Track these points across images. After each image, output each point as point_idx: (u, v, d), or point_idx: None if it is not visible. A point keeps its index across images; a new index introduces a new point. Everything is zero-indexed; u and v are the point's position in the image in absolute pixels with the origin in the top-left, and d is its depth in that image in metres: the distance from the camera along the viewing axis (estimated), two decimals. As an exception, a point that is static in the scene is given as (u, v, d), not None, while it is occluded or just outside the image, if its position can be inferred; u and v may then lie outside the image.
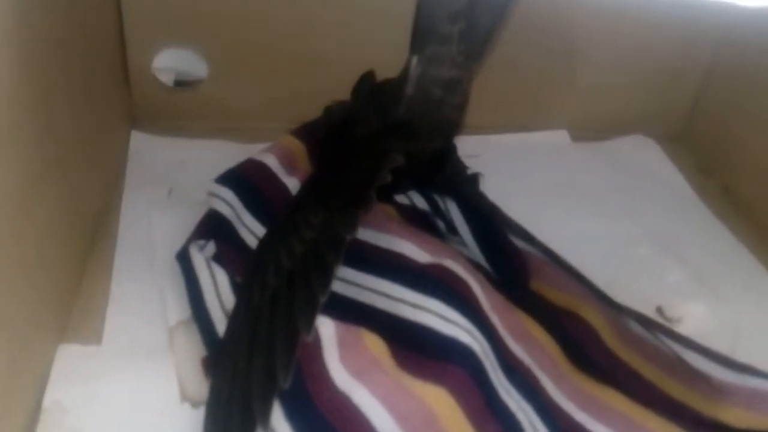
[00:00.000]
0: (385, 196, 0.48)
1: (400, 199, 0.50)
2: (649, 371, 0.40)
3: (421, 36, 0.42)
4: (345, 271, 0.41)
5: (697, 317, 0.46)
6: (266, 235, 0.43)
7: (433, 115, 0.45)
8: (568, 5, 0.59)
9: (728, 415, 0.38)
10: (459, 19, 0.41)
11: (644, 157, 0.64)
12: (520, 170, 0.59)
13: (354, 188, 0.41)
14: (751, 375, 0.40)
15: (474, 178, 0.53)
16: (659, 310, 0.46)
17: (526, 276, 0.45)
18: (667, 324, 0.45)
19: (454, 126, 0.47)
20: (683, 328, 0.45)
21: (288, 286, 0.36)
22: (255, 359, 0.33)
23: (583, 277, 0.44)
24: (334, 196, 0.41)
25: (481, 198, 0.50)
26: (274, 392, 0.31)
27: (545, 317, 0.42)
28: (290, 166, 0.50)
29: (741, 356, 0.42)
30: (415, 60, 0.43)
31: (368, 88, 0.50)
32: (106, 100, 0.53)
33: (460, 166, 0.52)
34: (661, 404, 0.38)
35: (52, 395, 0.35)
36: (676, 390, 0.39)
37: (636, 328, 0.42)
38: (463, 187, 0.51)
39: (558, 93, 0.65)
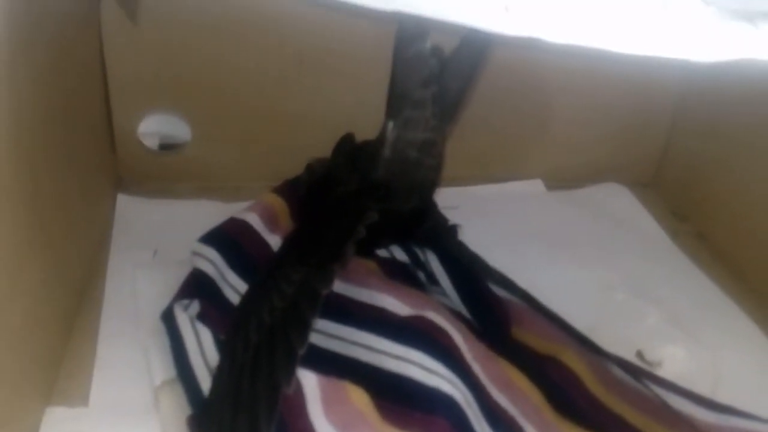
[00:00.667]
0: (367, 251, 0.49)
1: (381, 252, 0.51)
2: (633, 416, 0.40)
3: (396, 101, 0.44)
4: (328, 325, 0.42)
5: (677, 360, 0.46)
6: (248, 292, 0.43)
7: (410, 175, 0.46)
8: (536, 65, 0.61)
9: None
10: (431, 84, 0.43)
11: (617, 204, 0.66)
12: (497, 220, 0.60)
13: (331, 245, 0.42)
14: (733, 415, 0.41)
15: (453, 230, 0.54)
16: (639, 354, 0.47)
17: (508, 324, 0.46)
18: (647, 367, 0.45)
19: (430, 185, 0.48)
20: (664, 372, 0.45)
21: (269, 342, 0.37)
22: (239, 415, 0.34)
23: (564, 322, 0.45)
24: (312, 253, 0.42)
25: (461, 248, 0.51)
26: None
27: (528, 365, 0.42)
28: (272, 224, 0.51)
29: (722, 397, 0.42)
30: (391, 125, 0.45)
31: (348, 149, 0.51)
32: (93, 166, 0.54)
33: (441, 219, 0.54)
34: None
35: (39, 459, 0.35)
36: None
37: (618, 372, 0.42)
38: (443, 238, 0.52)
39: (531, 145, 0.66)
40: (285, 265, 0.42)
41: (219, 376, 0.38)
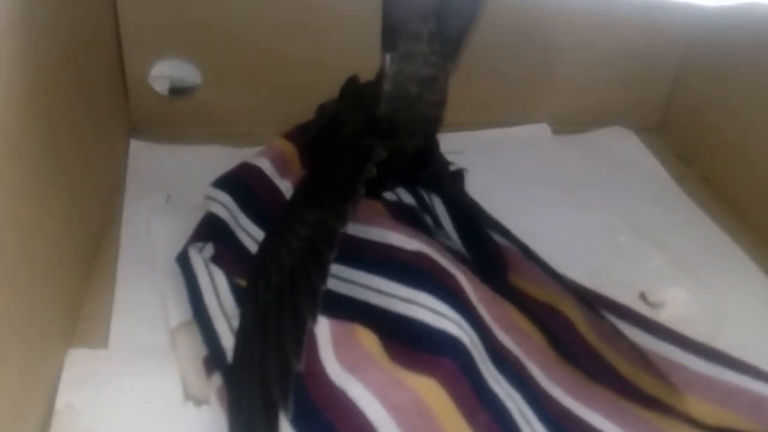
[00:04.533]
0: (373, 193, 0.50)
1: (388, 195, 0.52)
2: (624, 367, 0.40)
3: (391, 34, 0.44)
4: (339, 269, 0.43)
5: (679, 302, 0.47)
6: (266, 237, 0.44)
7: (412, 111, 0.46)
8: (542, 7, 0.60)
9: (701, 411, 0.38)
10: (428, 19, 0.43)
11: (623, 148, 0.66)
12: (503, 164, 0.60)
13: (342, 185, 0.42)
14: (727, 367, 0.40)
15: (457, 175, 0.54)
16: (642, 296, 0.47)
17: (505, 271, 0.46)
18: (650, 309, 0.46)
19: (433, 123, 0.48)
20: (666, 313, 0.46)
21: (290, 281, 0.38)
22: (268, 352, 0.35)
23: (558, 274, 0.45)
24: (324, 195, 0.43)
25: (462, 195, 0.52)
26: (290, 375, 0.33)
27: (525, 309, 0.43)
28: (283, 169, 0.51)
29: (723, 339, 0.42)
30: (389, 57, 0.45)
31: (353, 90, 0.52)
32: (106, 111, 0.54)
33: (443, 163, 0.54)
34: (635, 398, 0.39)
35: (63, 398, 0.36)
36: (650, 386, 0.39)
37: (610, 327, 0.42)
38: (446, 183, 0.52)
39: (537, 88, 0.66)
40: (299, 209, 0.43)
41: (244, 318, 0.39)
